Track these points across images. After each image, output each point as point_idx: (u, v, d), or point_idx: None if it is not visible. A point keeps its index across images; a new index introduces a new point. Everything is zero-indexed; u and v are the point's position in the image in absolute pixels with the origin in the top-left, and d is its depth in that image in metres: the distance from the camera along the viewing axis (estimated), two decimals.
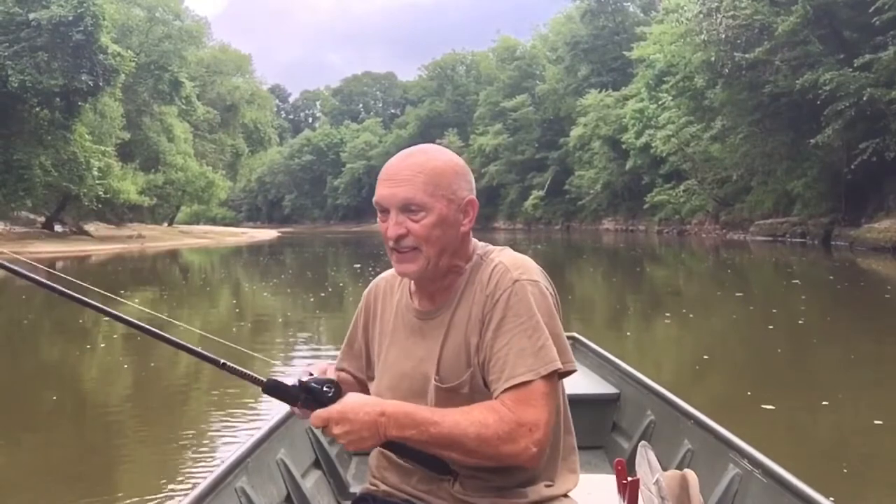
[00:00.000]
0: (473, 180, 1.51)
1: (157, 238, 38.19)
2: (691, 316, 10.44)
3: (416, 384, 1.49)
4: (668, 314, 10.25)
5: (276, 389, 1.38)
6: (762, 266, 20.03)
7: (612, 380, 3.29)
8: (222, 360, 1.39)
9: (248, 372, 1.39)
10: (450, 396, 1.45)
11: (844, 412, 5.20)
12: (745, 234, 31.69)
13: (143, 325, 1.41)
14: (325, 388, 1.37)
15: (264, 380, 1.38)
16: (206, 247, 37.88)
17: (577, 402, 2.87)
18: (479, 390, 1.44)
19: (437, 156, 1.48)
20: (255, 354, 1.27)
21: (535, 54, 65.01)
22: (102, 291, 1.51)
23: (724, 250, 25.95)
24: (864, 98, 21.82)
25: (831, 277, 15.34)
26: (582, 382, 3.29)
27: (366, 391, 1.60)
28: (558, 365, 1.39)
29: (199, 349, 1.40)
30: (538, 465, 1.41)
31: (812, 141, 24.01)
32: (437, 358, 1.47)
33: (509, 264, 1.45)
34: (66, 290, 1.39)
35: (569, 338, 3.72)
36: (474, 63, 78.20)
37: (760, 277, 17.10)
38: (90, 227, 35.88)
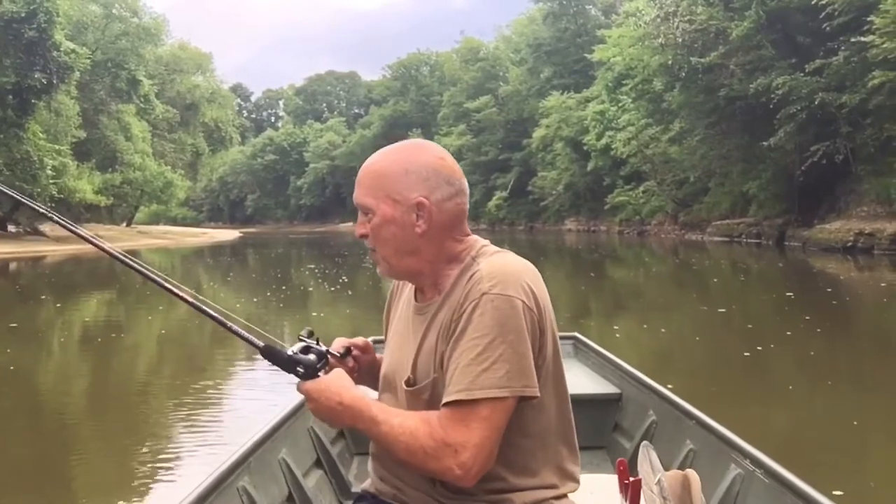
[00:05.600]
0: (441, 178, 1.44)
1: (114, 238, 37.44)
2: (663, 331, 9.28)
3: (398, 378, 1.49)
4: (616, 327, 9.57)
5: (270, 354, 1.44)
6: (733, 270, 19.05)
7: (613, 380, 3.27)
8: (229, 323, 1.47)
9: (249, 336, 1.46)
10: (413, 399, 1.44)
11: None
12: (703, 235, 32.20)
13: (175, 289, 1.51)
14: (297, 369, 1.42)
15: (262, 344, 1.44)
16: (165, 247, 37.32)
17: (579, 401, 2.82)
18: (440, 398, 1.38)
19: (388, 156, 1.46)
20: (266, 334, 1.40)
21: (498, 55, 65.31)
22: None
23: (684, 251, 26.33)
24: (816, 102, 22.40)
25: (829, 290, 13.29)
26: (583, 382, 3.28)
27: None
28: (498, 393, 1.31)
29: (211, 311, 1.48)
30: (469, 485, 1.34)
31: (765, 143, 24.58)
32: (414, 357, 1.45)
33: (485, 274, 1.37)
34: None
35: (569, 337, 3.83)
36: (438, 63, 78.23)
37: (738, 285, 15.41)
38: (45, 228, 35.08)
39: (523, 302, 1.35)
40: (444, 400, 1.34)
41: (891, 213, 21.33)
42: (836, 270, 17.09)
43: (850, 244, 21.14)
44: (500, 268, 1.39)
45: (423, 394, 1.42)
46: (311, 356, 1.43)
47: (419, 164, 1.44)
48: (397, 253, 1.45)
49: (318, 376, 1.42)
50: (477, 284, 1.37)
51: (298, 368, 1.41)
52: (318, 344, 1.48)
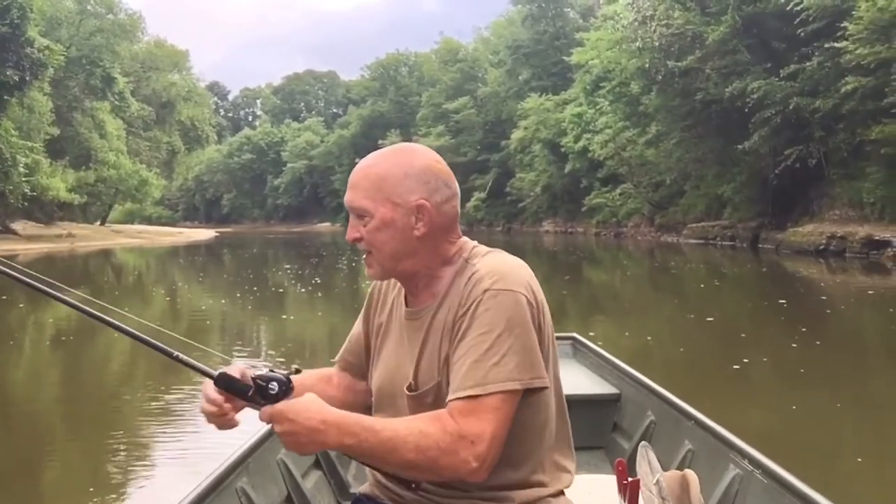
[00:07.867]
0: (440, 182, 1.45)
1: (88, 237, 37.01)
2: (648, 339, 9.00)
3: (396, 387, 1.47)
4: (592, 333, 8.63)
5: (226, 383, 1.38)
6: (714, 275, 18.65)
7: (612, 380, 3.28)
8: (176, 353, 1.41)
9: (201, 365, 1.40)
10: (416, 404, 1.41)
11: None
12: (679, 237, 32.45)
13: (108, 318, 1.45)
14: (269, 386, 1.34)
15: (215, 373, 1.38)
16: (140, 247, 36.91)
17: (578, 402, 2.83)
18: (443, 401, 1.37)
19: (387, 159, 1.45)
20: (212, 351, 1.35)
21: (477, 57, 65.45)
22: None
23: (661, 253, 26.50)
24: (790, 106, 22.70)
25: (823, 297, 12.92)
26: (582, 382, 3.30)
27: (362, 380, 1.61)
28: (510, 385, 1.32)
29: (155, 341, 1.41)
30: (481, 480, 1.33)
31: (740, 147, 24.86)
32: (416, 362, 1.44)
33: (485, 272, 1.38)
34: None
35: (568, 338, 3.83)
36: (417, 64, 78.14)
37: (723, 291, 14.93)
38: (17, 226, 34.54)
39: (525, 296, 1.36)
40: (453, 396, 1.33)
41: (862, 217, 21.68)
42: (817, 275, 17.18)
43: (822, 247, 21.42)
44: (499, 265, 1.40)
45: (427, 398, 1.41)
46: (276, 380, 1.34)
47: (418, 166, 1.44)
48: (394, 256, 1.44)
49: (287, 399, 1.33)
50: (478, 283, 1.37)
51: (271, 386, 1.33)
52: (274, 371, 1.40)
